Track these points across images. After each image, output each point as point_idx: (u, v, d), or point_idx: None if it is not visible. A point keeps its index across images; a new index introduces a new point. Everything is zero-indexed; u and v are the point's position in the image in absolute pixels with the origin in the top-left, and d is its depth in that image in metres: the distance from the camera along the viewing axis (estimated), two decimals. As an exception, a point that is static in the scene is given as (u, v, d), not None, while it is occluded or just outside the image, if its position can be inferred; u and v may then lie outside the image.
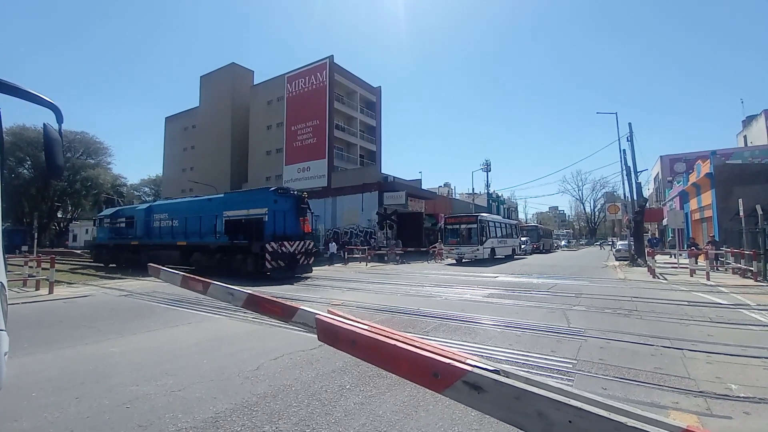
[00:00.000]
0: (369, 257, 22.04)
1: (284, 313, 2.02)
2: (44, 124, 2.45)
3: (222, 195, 17.16)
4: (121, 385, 3.82)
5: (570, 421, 0.94)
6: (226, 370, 4.22)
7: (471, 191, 52.51)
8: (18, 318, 7.33)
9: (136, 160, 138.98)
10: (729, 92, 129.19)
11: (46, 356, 4.85)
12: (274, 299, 2.11)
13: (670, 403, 3.49)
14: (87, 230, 59.02)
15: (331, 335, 1.69)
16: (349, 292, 10.82)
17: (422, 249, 27.53)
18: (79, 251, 44.63)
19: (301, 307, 2.05)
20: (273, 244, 13.50)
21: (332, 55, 38.61)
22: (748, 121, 38.46)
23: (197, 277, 2.63)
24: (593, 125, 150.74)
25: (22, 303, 8.89)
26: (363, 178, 32.41)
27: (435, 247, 25.91)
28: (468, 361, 1.23)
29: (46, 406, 3.34)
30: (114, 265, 20.66)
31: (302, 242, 14.79)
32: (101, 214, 22.96)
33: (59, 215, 62.57)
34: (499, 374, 1.13)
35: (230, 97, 47.51)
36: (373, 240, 28.59)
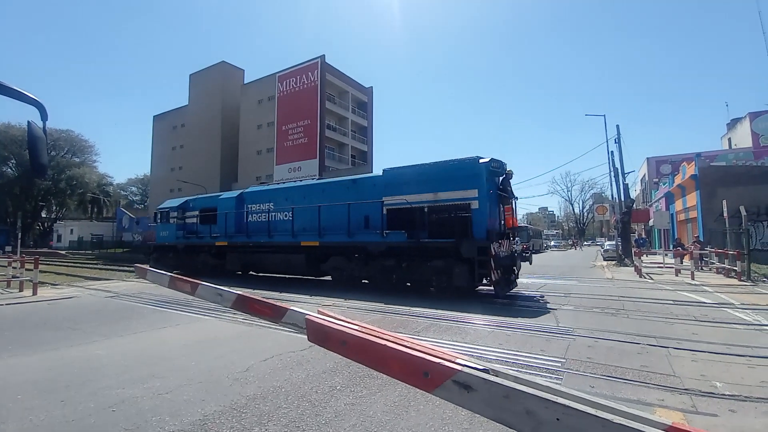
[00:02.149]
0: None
1: (274, 313, 2.01)
2: (28, 122, 2.39)
3: (380, 174, 11.27)
4: (106, 388, 3.75)
5: (558, 419, 0.95)
6: (214, 372, 4.17)
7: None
8: (0, 319, 7.16)
9: (123, 159, 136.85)
10: (714, 96, 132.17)
11: (30, 358, 4.74)
12: (264, 300, 2.09)
13: (656, 401, 3.55)
14: (71, 230, 58.00)
15: (322, 336, 1.68)
16: (339, 291, 10.78)
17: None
18: (63, 252, 43.81)
19: (291, 308, 2.03)
20: (496, 244, 8.95)
21: (323, 55, 38.53)
22: (733, 124, 39.38)
23: (185, 278, 2.60)
24: (582, 127, 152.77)
25: (6, 304, 8.68)
26: (354, 178, 32.45)
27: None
28: (458, 361, 1.23)
29: (31, 409, 3.27)
30: (178, 272, 16.74)
31: (514, 242, 10.22)
32: (163, 206, 17.52)
33: (43, 215, 61.28)
34: (489, 373, 1.14)
35: (220, 95, 47.05)
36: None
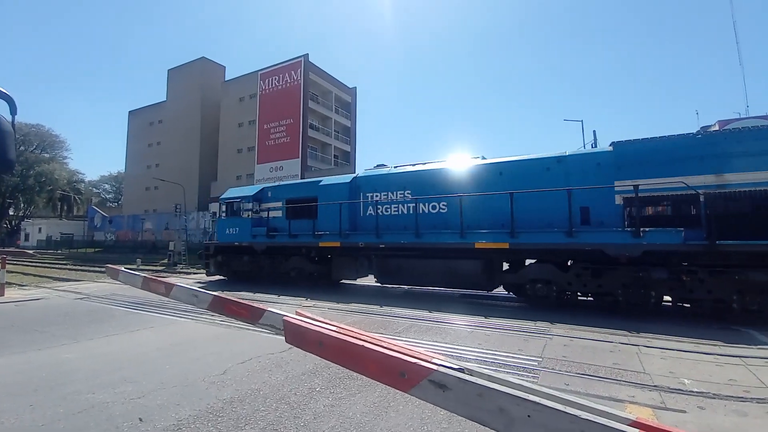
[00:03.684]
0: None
1: (251, 315, 1.98)
2: None
3: (605, 149, 8.36)
4: (76, 392, 3.61)
5: (529, 416, 0.98)
6: (190, 376, 4.08)
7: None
8: (-41, 323, 6.78)
9: (95, 155, 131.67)
10: (685, 103, 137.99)
11: (-9, 364, 4.52)
12: (241, 301, 2.06)
13: (627, 397, 3.67)
14: (40, 229, 55.53)
15: (299, 337, 1.67)
16: (323, 293, 10.71)
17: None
18: (31, 251, 41.88)
19: (269, 309, 2.01)
20: None
21: (307, 54, 38.22)
22: (703, 131, 41.20)
23: (159, 278, 2.53)
24: (561, 131, 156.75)
25: (-35, 307, 8.23)
26: (337, 178, 32.28)
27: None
28: (434, 360, 1.24)
29: (0, 412, 3.14)
30: (234, 279, 13.09)
31: None
32: (231, 195, 13.88)
33: (11, 213, 58.49)
34: (464, 372, 1.16)
35: (200, 92, 46.00)
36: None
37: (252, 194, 13.18)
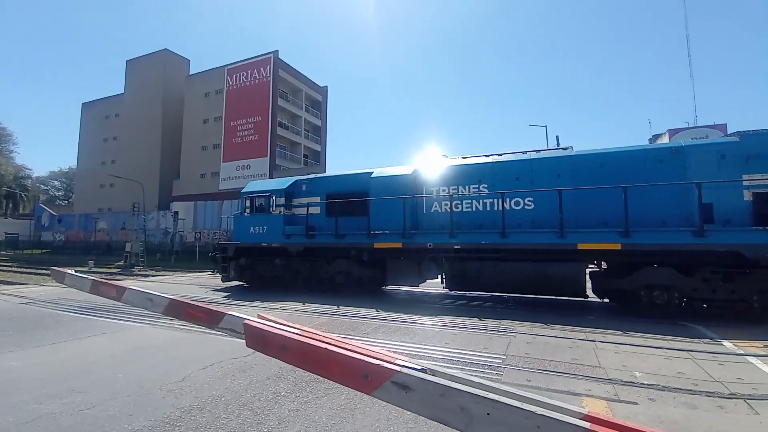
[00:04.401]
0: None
1: (210, 319, 1.90)
2: None
3: (726, 140, 7.79)
4: (22, 403, 3.34)
5: (488, 414, 0.99)
6: (145, 384, 3.87)
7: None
8: None
9: (44, 149, 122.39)
10: (638, 112, 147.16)
11: None
12: (198, 304, 1.97)
13: (584, 391, 3.84)
14: (-21, 229, 50.88)
15: (260, 341, 1.62)
16: (290, 295, 10.50)
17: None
18: (-33, 253, 38.30)
19: (229, 312, 1.94)
20: None
21: (277, 51, 37.44)
22: (654, 139, 44.05)
23: (111, 282, 2.38)
24: (526, 136, 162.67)
25: None
26: (307, 178, 31.86)
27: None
28: (397, 362, 1.24)
29: None
30: (262, 286, 11.36)
31: None
32: (256, 188, 12.27)
33: (-56, 211, 53.35)
34: (426, 373, 1.16)
35: (162, 85, 43.91)
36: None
37: (284, 188, 11.40)
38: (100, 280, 2.44)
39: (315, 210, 10.82)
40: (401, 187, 9.70)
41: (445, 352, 5.11)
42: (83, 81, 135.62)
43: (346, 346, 1.39)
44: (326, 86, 45.49)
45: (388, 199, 9.61)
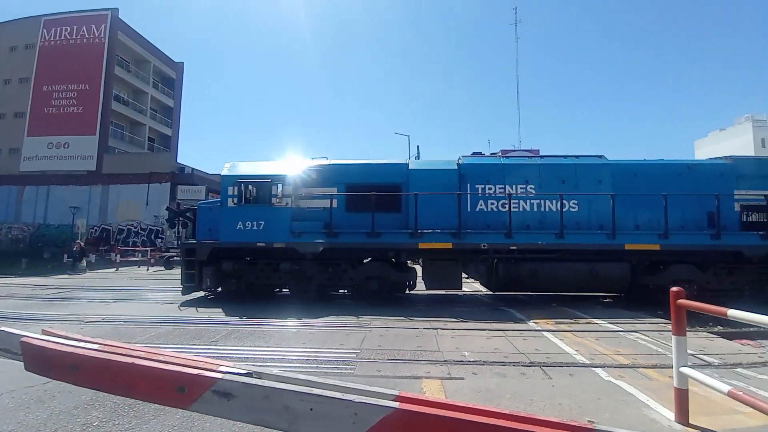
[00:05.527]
0: (152, 260, 18.61)
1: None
2: None
3: (724, 161, 9.52)
4: None
5: (311, 409, 0.99)
6: None
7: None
8: None
9: None
10: (482, 132, 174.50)
11: None
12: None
13: (424, 373, 4.31)
14: None
15: (44, 362, 1.28)
16: (118, 304, 8.81)
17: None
18: None
19: (1, 328, 1.48)
20: None
21: (117, 8, 31.06)
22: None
23: None
24: (392, 144, 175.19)
25: None
26: (151, 165, 27.25)
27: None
28: (220, 368, 1.13)
29: None
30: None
31: None
32: (244, 173, 9.51)
33: None
34: (252, 376, 1.09)
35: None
36: (160, 240, 24.38)
37: (293, 174, 9.34)
38: None
39: (328, 203, 9.03)
40: (446, 183, 9.07)
41: (301, 352, 5.06)
42: None
43: (159, 358, 1.21)
44: (182, 62, 40.03)
45: (437, 194, 8.86)
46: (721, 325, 6.59)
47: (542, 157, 9.69)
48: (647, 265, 8.80)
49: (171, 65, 38.61)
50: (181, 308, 8.14)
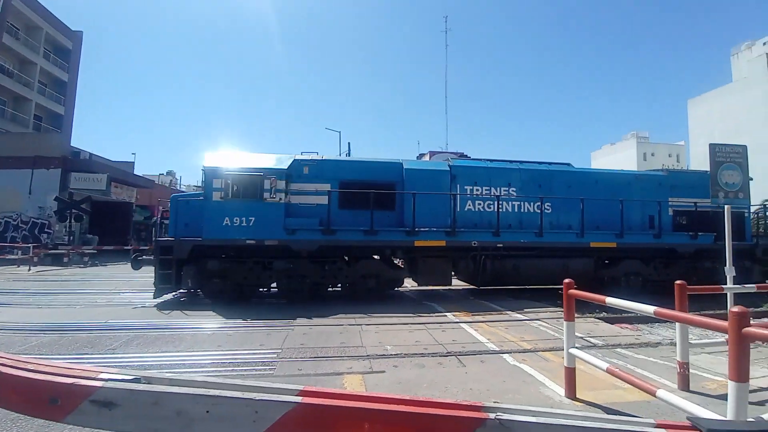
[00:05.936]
0: (36, 258, 15.96)
1: None
2: None
3: (661, 173, 11.59)
4: None
5: (208, 411, 0.93)
6: None
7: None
8: None
9: None
10: (410, 134, 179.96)
11: None
12: None
13: (346, 369, 4.32)
14: None
15: None
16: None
17: (127, 248, 22.35)
18: None
19: None
20: None
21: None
22: (420, 157, 54.54)
23: None
24: (324, 139, 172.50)
25: None
26: (37, 148, 23.13)
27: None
28: (101, 375, 1.01)
29: None
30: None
31: None
32: (227, 165, 8.67)
33: None
34: (139, 382, 0.99)
35: None
36: (46, 235, 21.02)
37: (286, 168, 8.91)
38: None
39: (322, 200, 8.82)
40: (440, 183, 9.57)
41: (216, 355, 4.76)
42: None
43: (29, 366, 1.05)
44: (81, 31, 34.89)
45: (432, 194, 9.27)
46: (606, 312, 7.63)
47: (521, 162, 10.82)
48: (604, 260, 10.34)
49: (68, 34, 33.48)
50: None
